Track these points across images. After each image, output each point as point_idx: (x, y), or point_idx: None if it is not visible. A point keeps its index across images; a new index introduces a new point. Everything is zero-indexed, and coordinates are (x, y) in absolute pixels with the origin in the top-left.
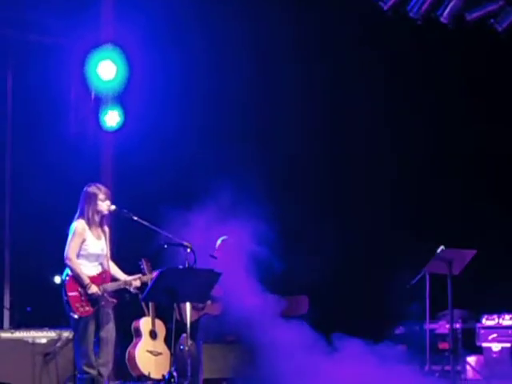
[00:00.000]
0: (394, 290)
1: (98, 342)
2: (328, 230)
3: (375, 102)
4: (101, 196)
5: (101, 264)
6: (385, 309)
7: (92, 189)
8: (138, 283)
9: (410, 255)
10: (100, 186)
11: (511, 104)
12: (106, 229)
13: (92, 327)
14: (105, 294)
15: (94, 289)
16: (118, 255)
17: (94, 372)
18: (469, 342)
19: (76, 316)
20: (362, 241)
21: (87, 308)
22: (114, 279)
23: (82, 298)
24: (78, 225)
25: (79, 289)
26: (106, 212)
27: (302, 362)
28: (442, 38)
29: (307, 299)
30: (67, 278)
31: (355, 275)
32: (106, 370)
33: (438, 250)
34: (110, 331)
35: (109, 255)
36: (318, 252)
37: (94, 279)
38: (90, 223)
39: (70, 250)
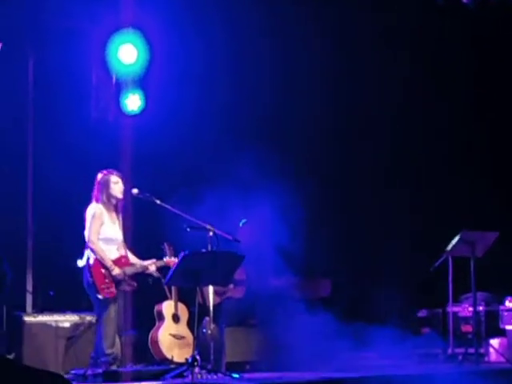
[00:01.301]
0: (416, 274)
1: None
2: (347, 215)
3: (387, 98)
4: (113, 179)
5: (118, 249)
6: (406, 293)
7: (103, 175)
8: (153, 268)
9: (433, 239)
10: (112, 170)
11: None
12: (119, 215)
13: (115, 308)
14: (126, 278)
15: (117, 270)
16: (140, 239)
17: (116, 352)
18: (492, 325)
19: (101, 297)
20: (378, 226)
21: (112, 289)
22: (131, 264)
23: (107, 280)
24: (96, 208)
25: (103, 270)
26: (120, 195)
27: (322, 347)
28: (462, 21)
29: (329, 282)
30: (91, 260)
31: (375, 258)
32: None
33: (461, 233)
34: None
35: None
36: (338, 237)
37: (115, 262)
38: (105, 208)
39: (92, 232)
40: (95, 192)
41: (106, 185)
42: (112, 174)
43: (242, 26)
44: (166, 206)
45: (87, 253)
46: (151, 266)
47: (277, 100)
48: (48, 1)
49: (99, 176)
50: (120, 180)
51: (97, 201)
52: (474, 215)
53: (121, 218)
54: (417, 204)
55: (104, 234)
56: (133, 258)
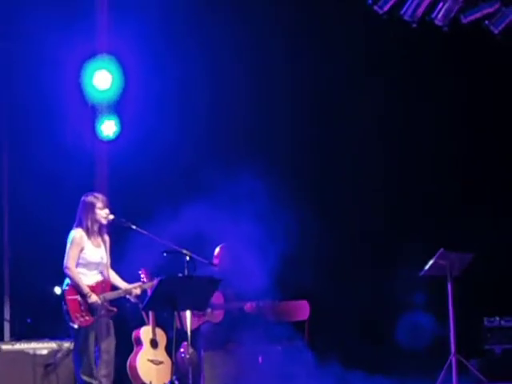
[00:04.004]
0: (394, 294)
1: (98, 352)
2: (325, 233)
3: (370, 106)
4: (99, 205)
5: (101, 273)
6: (385, 314)
7: (90, 198)
8: (138, 291)
9: (410, 258)
10: (97, 194)
11: (508, 105)
12: (106, 237)
13: (92, 337)
14: (105, 304)
15: (93, 298)
16: (116, 265)
17: (94, 382)
18: (471, 344)
19: (75, 326)
20: (359, 244)
21: (87, 318)
22: (114, 288)
23: (82, 308)
24: (76, 233)
25: (79, 298)
26: (104, 221)
27: (301, 372)
28: (437, 40)
29: (308, 304)
30: (67, 287)
31: (353, 279)
32: (107, 381)
33: (438, 253)
34: (110, 341)
35: (109, 264)
36: (317, 257)
37: (93, 288)
38: (88, 232)
39: (69, 259)
40: (79, 215)
41: (91, 209)
42: (97, 198)
43: (218, 50)
44: (142, 231)
45: (66, 280)
46: (136, 289)
47: (257, 120)
48: (22, 27)
49: (84, 199)
50: (105, 205)
51: (80, 225)
52: (452, 235)
53: (107, 240)
54: (394, 227)
55: (85, 258)
56: (119, 282)
